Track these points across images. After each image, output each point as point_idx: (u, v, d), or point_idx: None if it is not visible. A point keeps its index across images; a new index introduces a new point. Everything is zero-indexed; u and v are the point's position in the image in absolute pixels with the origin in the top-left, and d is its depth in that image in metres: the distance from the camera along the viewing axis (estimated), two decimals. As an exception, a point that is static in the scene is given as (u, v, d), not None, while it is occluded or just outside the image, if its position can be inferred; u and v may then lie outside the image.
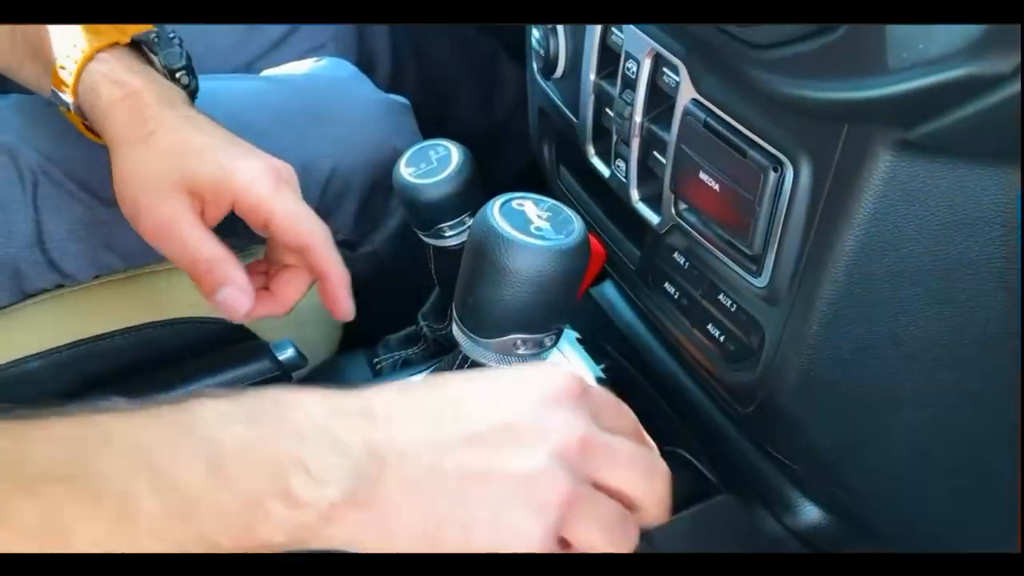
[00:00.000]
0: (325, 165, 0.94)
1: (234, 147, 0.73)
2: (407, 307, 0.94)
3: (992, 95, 0.41)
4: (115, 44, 0.75)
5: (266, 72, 1.07)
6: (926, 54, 0.40)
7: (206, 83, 0.95)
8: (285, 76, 1.03)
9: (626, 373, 0.84)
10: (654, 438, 0.77)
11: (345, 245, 1.02)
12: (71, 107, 0.76)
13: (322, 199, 0.95)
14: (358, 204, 0.97)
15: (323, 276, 0.73)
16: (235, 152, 0.72)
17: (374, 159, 0.96)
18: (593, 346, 0.83)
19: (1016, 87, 0.40)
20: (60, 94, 0.76)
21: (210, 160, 0.70)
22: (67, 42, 0.75)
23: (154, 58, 0.78)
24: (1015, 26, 0.38)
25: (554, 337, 0.64)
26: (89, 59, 0.74)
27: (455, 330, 0.64)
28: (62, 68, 0.74)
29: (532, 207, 0.61)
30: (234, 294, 0.69)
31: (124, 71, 0.74)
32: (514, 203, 0.61)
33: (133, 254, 0.88)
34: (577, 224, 0.61)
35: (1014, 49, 0.38)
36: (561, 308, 0.63)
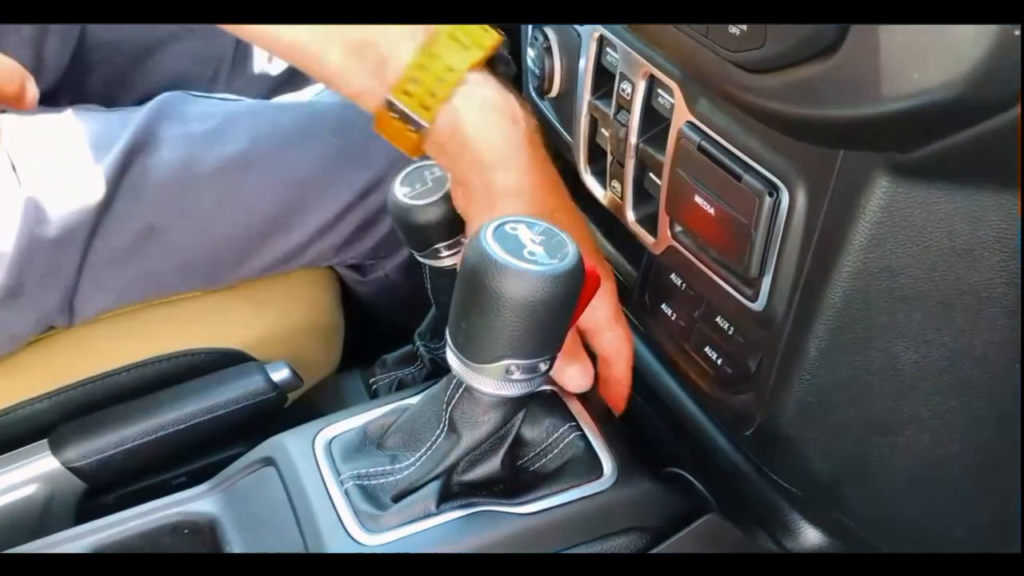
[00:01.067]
0: (363, 210, 0.94)
1: (589, 245, 0.70)
2: (407, 327, 0.94)
3: (989, 121, 0.40)
4: (483, 60, 0.66)
5: (287, 97, 1.06)
6: (921, 84, 0.39)
7: (253, 110, 0.95)
8: (318, 104, 1.01)
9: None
10: (653, 458, 0.76)
11: (356, 269, 1.02)
12: (422, 127, 0.66)
13: (351, 236, 0.95)
14: (382, 237, 0.98)
15: (613, 383, 0.75)
16: (592, 254, 0.69)
17: None
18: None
19: (1014, 113, 0.39)
20: (406, 109, 0.65)
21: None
22: (412, 41, 0.65)
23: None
24: (1014, 55, 0.37)
25: (549, 362, 0.63)
26: (462, 80, 0.65)
27: (449, 355, 0.64)
28: (413, 81, 0.64)
29: (526, 231, 0.61)
30: (583, 371, 0.72)
31: (498, 98, 0.66)
32: (507, 227, 0.60)
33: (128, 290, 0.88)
34: (571, 247, 0.60)
35: (1013, 76, 0.38)
36: (556, 333, 0.62)
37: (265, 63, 1.11)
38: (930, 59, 0.39)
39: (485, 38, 0.67)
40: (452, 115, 0.65)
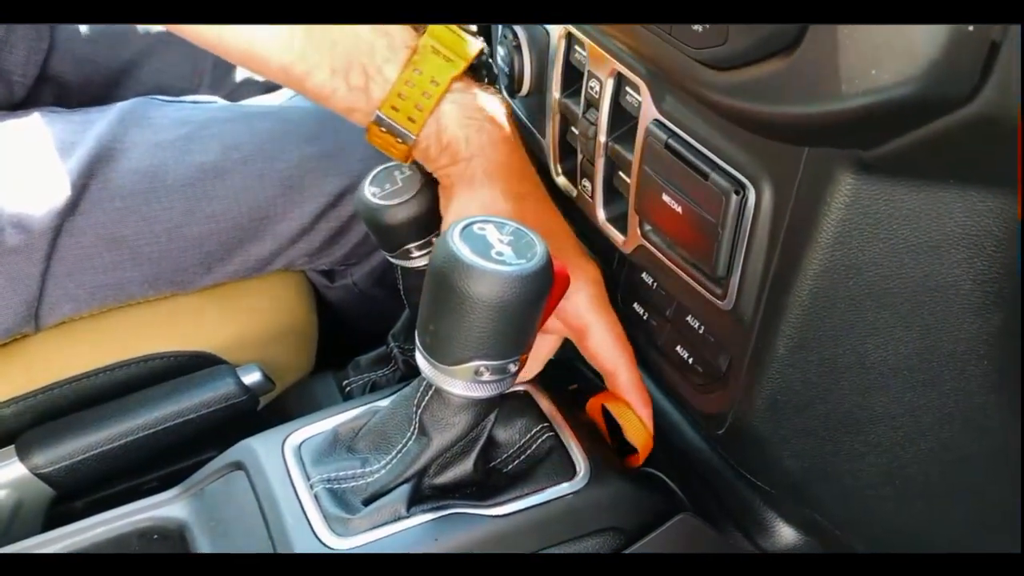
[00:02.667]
0: (336, 217, 0.94)
1: (562, 233, 0.72)
2: (380, 329, 0.93)
3: (946, 118, 0.40)
4: (464, 72, 0.69)
5: (263, 99, 1.05)
6: (878, 81, 0.39)
7: (227, 116, 0.94)
8: (291, 109, 1.00)
9: (598, 391, 0.82)
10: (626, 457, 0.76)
11: (326, 275, 1.01)
12: (408, 140, 0.69)
13: (324, 242, 0.95)
14: (355, 245, 0.97)
15: (624, 399, 0.73)
16: (565, 242, 0.71)
17: None
18: (566, 365, 0.81)
19: (970, 110, 0.39)
20: (394, 123, 0.69)
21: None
22: (395, 60, 0.68)
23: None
24: (967, 53, 0.37)
25: (519, 362, 0.63)
26: (447, 91, 0.68)
27: (418, 357, 0.63)
28: (400, 96, 0.68)
29: (494, 231, 0.60)
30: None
31: (478, 102, 0.70)
32: (475, 227, 0.60)
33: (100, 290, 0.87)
34: (540, 247, 0.60)
35: (968, 73, 0.37)
36: (525, 333, 0.61)
37: (249, 71, 1.10)
38: (887, 56, 0.38)
39: (466, 49, 0.70)
40: (437, 122, 0.69)
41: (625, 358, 0.72)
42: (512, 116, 0.73)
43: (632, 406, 0.72)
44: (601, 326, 0.71)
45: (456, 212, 0.70)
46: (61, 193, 0.83)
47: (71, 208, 0.83)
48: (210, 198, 0.89)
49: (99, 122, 0.88)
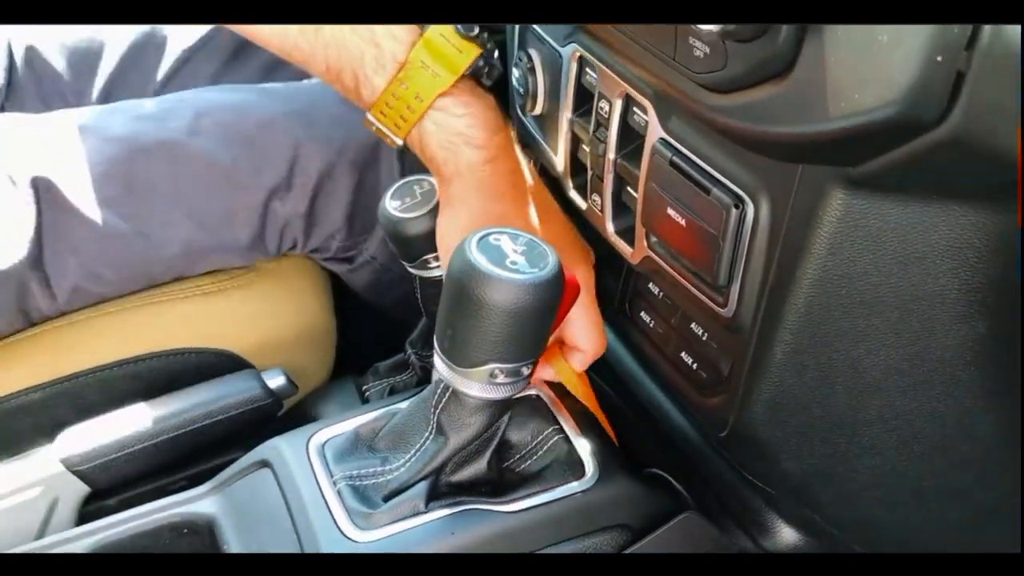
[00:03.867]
0: (314, 167, 0.97)
1: (563, 231, 0.78)
2: (398, 335, 0.97)
3: (922, 138, 0.44)
4: (459, 79, 0.74)
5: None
6: (861, 104, 0.42)
7: (198, 94, 0.99)
8: (273, 87, 1.05)
9: (607, 397, 0.86)
10: (634, 460, 0.79)
11: (345, 260, 1.04)
12: (398, 145, 0.76)
13: (314, 201, 0.97)
14: (348, 204, 0.99)
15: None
16: (564, 239, 0.77)
17: (360, 159, 0.99)
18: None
19: (942, 131, 0.42)
20: (383, 127, 0.75)
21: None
22: (383, 73, 0.73)
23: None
24: (937, 81, 0.40)
25: (531, 365, 0.67)
26: (430, 107, 0.73)
27: (436, 360, 0.67)
28: (387, 105, 0.73)
29: (509, 241, 0.64)
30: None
31: (460, 124, 0.74)
32: (491, 238, 0.64)
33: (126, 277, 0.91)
34: (552, 258, 0.64)
35: (939, 98, 0.41)
36: (537, 338, 0.65)
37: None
38: (869, 82, 0.42)
39: (457, 62, 0.73)
40: (420, 136, 0.75)
41: (598, 343, 0.77)
42: (510, 129, 0.78)
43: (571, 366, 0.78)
44: (586, 316, 0.76)
45: (441, 235, 0.76)
46: (42, 150, 0.89)
47: (53, 164, 0.88)
48: (189, 156, 0.93)
49: (82, 108, 0.95)
